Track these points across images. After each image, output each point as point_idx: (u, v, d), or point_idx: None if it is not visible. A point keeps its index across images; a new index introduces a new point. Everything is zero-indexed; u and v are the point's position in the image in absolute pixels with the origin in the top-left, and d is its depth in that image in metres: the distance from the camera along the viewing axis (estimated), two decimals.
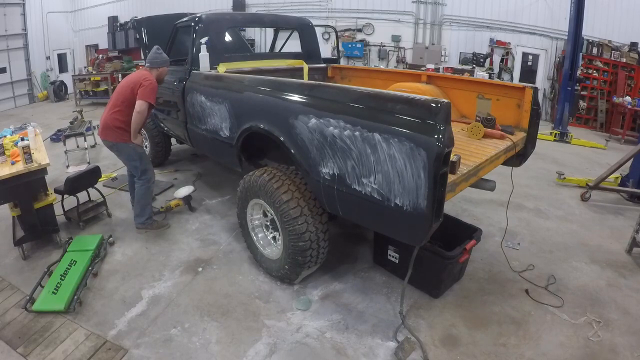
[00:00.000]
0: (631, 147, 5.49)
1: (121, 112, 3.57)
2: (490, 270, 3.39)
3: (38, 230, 3.52)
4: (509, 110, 3.42)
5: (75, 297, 2.88)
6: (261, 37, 12.11)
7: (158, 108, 4.76)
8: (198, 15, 4.12)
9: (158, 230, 3.92)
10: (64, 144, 6.13)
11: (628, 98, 8.99)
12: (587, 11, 7.76)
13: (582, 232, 4.16)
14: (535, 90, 3.25)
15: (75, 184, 3.90)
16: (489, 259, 3.54)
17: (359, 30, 11.45)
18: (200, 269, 3.35)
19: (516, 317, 2.82)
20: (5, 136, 4.25)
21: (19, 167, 3.30)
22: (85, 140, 6.31)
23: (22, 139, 3.56)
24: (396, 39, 11.17)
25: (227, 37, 4.92)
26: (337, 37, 5.93)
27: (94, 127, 6.86)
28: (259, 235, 3.30)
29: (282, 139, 2.77)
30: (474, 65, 10.41)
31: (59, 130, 7.38)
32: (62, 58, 14.21)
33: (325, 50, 10.73)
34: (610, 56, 9.61)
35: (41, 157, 3.54)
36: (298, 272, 2.98)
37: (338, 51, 5.64)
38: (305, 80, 4.41)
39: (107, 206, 4.28)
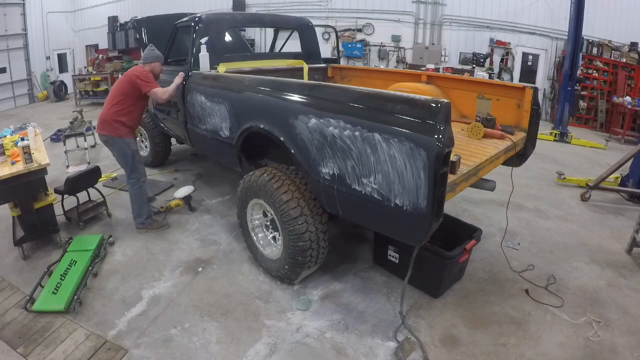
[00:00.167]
0: (631, 147, 5.49)
1: (120, 103, 3.62)
2: (490, 270, 3.39)
3: (38, 230, 3.52)
4: (509, 110, 3.42)
5: (75, 297, 2.88)
6: (261, 37, 12.11)
7: (158, 108, 4.77)
8: (198, 15, 4.12)
9: (158, 230, 3.93)
10: (64, 144, 6.13)
11: (628, 98, 8.99)
12: (587, 11, 7.76)
13: (582, 232, 4.16)
14: (535, 90, 3.25)
15: (75, 184, 3.90)
16: (489, 259, 3.54)
17: (359, 30, 11.45)
18: (200, 269, 3.35)
19: (516, 317, 2.82)
20: (5, 136, 4.25)
21: (19, 167, 3.30)
22: (85, 140, 6.31)
23: (22, 139, 3.56)
24: (396, 39, 11.17)
25: (227, 37, 4.92)
26: (337, 37, 5.93)
27: (94, 127, 6.84)
28: (259, 235, 3.30)
29: (282, 139, 2.77)
30: (474, 65, 10.40)
31: (59, 130, 7.37)
32: (62, 58, 14.21)
33: (325, 50, 10.73)
34: (610, 56, 9.61)
35: (41, 157, 3.55)
36: (298, 272, 2.98)
37: (338, 51, 5.65)
38: (305, 80, 4.42)
39: (107, 206, 4.29)
